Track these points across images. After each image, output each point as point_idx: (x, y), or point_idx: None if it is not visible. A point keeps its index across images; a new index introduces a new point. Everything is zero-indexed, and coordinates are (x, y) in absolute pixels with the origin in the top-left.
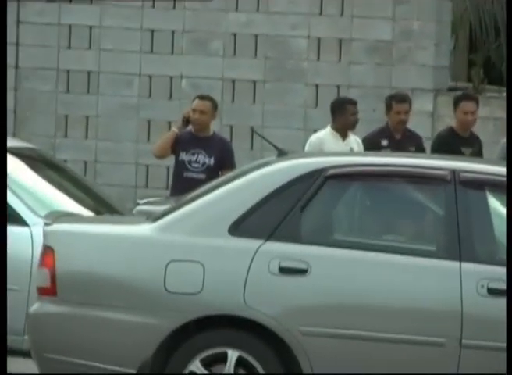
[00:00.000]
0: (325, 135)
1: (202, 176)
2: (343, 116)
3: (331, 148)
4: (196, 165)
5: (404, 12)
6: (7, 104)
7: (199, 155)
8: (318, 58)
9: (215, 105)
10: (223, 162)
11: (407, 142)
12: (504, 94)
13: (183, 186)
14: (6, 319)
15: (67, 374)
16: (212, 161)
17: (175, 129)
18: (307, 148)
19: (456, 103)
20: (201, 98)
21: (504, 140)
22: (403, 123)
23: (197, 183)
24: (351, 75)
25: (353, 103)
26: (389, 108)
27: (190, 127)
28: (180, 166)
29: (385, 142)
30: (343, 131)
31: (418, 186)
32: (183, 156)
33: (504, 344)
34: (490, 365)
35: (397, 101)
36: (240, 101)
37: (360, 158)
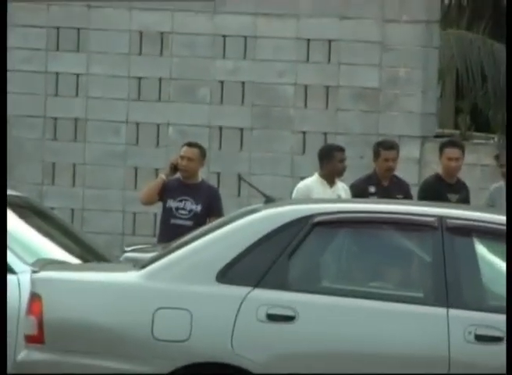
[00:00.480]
0: (313, 182)
1: (189, 223)
2: (330, 162)
3: (318, 195)
4: (183, 212)
5: (391, 59)
6: (7, 104)
7: (186, 202)
8: (305, 105)
9: (203, 153)
10: (211, 209)
11: (395, 189)
12: (491, 141)
13: (170, 233)
14: (6, 319)
15: (71, 374)
16: (199, 208)
17: (162, 176)
18: (294, 195)
19: (441, 149)
20: (189, 145)
21: (494, 185)
22: (391, 170)
23: (185, 230)
24: (338, 122)
25: (341, 150)
26: (376, 155)
27: (177, 174)
28: (168, 213)
29: (372, 189)
30: (330, 178)
31: (406, 233)
32: (171, 203)
33: None
34: None
35: (385, 148)
36: (227, 148)
37: (347, 205)
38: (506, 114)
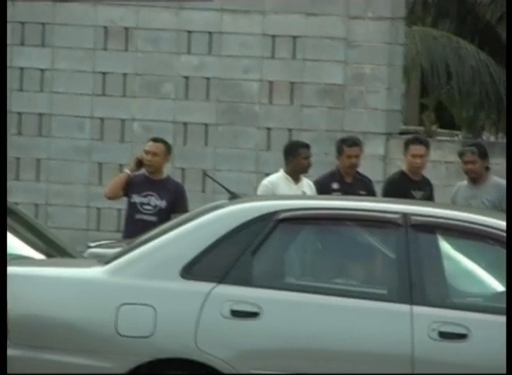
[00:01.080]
0: (278, 179)
1: (154, 218)
2: (295, 159)
3: (283, 192)
4: (148, 207)
5: (356, 56)
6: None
7: (151, 197)
8: (271, 101)
9: (168, 148)
10: (175, 205)
11: (358, 185)
12: (456, 138)
13: (135, 228)
14: (6, 318)
15: (68, 374)
16: (164, 203)
17: (127, 170)
18: (259, 191)
19: (406, 146)
20: (155, 140)
21: (459, 183)
22: (354, 166)
23: (149, 225)
24: (303, 118)
25: (306, 147)
26: (340, 152)
27: (143, 170)
28: (132, 208)
29: (335, 185)
30: (295, 175)
31: (370, 229)
32: (136, 198)
33: None
34: None
35: (348, 145)
36: (191, 144)
37: (312, 202)
38: (506, 114)
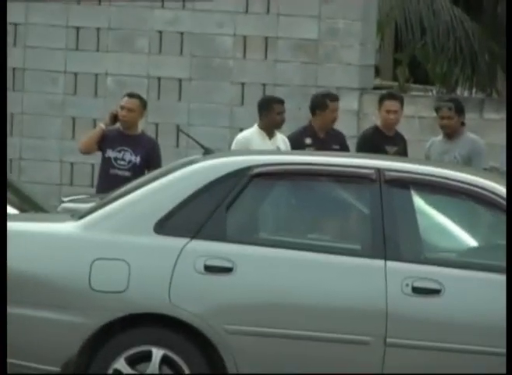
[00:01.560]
0: (252, 134)
1: (128, 173)
2: (269, 114)
3: (258, 147)
4: (122, 162)
5: (330, 11)
6: (7, 103)
7: (125, 152)
8: (244, 56)
9: (143, 104)
10: (149, 160)
11: (331, 141)
12: (430, 93)
13: (108, 183)
14: (6, 319)
15: (67, 374)
16: (138, 159)
17: (102, 125)
18: (233, 146)
19: (380, 102)
20: (130, 95)
21: (434, 138)
22: (335, 121)
23: (123, 180)
24: (277, 73)
25: (281, 102)
26: (323, 107)
27: (117, 125)
28: (106, 163)
29: (308, 141)
30: (269, 130)
31: (344, 185)
32: (110, 153)
33: (428, 343)
34: (414, 363)
35: (332, 99)
36: (165, 98)
37: (286, 157)
38: (506, 113)
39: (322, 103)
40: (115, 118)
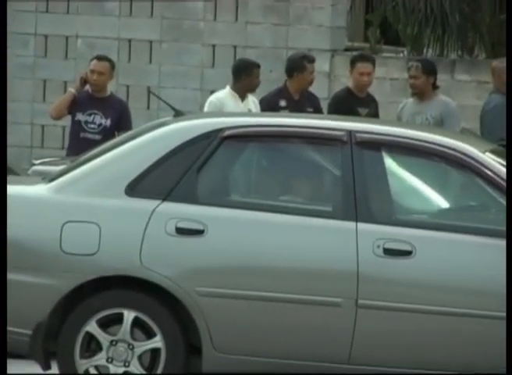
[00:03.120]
0: (225, 96)
1: (98, 137)
2: (248, 78)
3: (230, 109)
4: (92, 125)
5: None
6: (7, 101)
7: (96, 115)
8: (215, 18)
9: (112, 66)
10: (120, 123)
11: (305, 103)
12: (401, 55)
13: (79, 146)
14: (6, 318)
15: (70, 374)
16: (109, 122)
17: (72, 90)
18: (206, 107)
19: (353, 64)
20: (99, 58)
21: (406, 100)
22: (312, 82)
23: (94, 144)
24: (248, 35)
25: (259, 66)
26: (301, 68)
27: (87, 87)
28: (77, 127)
29: (283, 103)
30: (243, 93)
31: (315, 147)
32: (80, 117)
33: (400, 304)
34: (386, 325)
35: (310, 61)
36: (136, 61)
37: (257, 119)
38: (506, 111)
39: (300, 65)
40: (85, 81)
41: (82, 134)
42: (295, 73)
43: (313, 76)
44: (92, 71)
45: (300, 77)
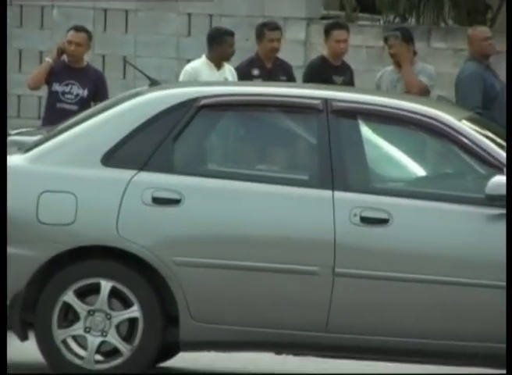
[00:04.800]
0: (201, 65)
1: (75, 107)
2: (220, 47)
3: (206, 78)
4: (69, 96)
5: None
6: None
7: (73, 86)
8: None
9: (90, 37)
10: (96, 93)
11: (278, 71)
12: (377, 23)
13: (55, 117)
14: (6, 318)
15: (70, 374)
16: (86, 92)
17: (49, 60)
18: (181, 77)
19: (328, 32)
20: (77, 29)
21: (385, 68)
22: (276, 51)
23: (70, 114)
24: (224, 4)
25: (232, 35)
26: (261, 36)
27: (63, 57)
28: (53, 97)
29: (256, 72)
30: (218, 61)
31: (291, 115)
32: (57, 87)
33: (376, 272)
34: (363, 293)
35: (270, 28)
36: (111, 30)
37: (233, 88)
38: (506, 111)
39: (260, 32)
40: (61, 52)
41: (59, 105)
42: (257, 40)
43: (274, 44)
44: (70, 42)
45: (261, 45)
